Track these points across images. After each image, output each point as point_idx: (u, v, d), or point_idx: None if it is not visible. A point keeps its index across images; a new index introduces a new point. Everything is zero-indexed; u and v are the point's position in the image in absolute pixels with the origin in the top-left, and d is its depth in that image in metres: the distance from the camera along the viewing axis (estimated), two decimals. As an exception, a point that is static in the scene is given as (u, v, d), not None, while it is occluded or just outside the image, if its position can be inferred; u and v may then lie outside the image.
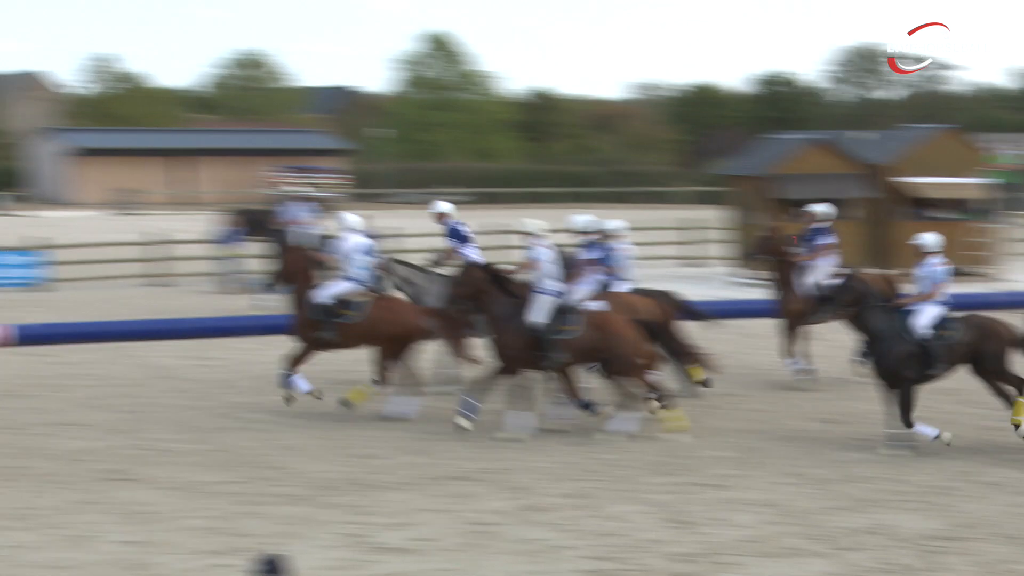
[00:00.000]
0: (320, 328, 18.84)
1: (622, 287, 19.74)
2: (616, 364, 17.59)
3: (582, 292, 18.87)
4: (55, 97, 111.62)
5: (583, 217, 20.58)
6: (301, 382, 18.76)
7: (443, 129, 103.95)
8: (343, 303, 18.83)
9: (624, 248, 20.17)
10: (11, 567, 12.11)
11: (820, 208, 22.50)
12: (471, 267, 18.29)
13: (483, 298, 17.74)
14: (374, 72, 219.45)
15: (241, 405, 19.40)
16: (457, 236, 20.62)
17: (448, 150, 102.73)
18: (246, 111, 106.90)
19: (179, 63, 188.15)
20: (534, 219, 18.58)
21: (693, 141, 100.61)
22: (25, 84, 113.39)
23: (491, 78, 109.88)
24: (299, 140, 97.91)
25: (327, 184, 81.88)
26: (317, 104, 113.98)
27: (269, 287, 20.49)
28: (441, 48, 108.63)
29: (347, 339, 18.97)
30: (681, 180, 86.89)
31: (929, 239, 17.69)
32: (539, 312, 17.54)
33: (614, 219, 20.53)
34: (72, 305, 30.76)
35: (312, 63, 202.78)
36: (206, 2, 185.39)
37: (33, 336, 22.76)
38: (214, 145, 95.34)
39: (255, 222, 33.26)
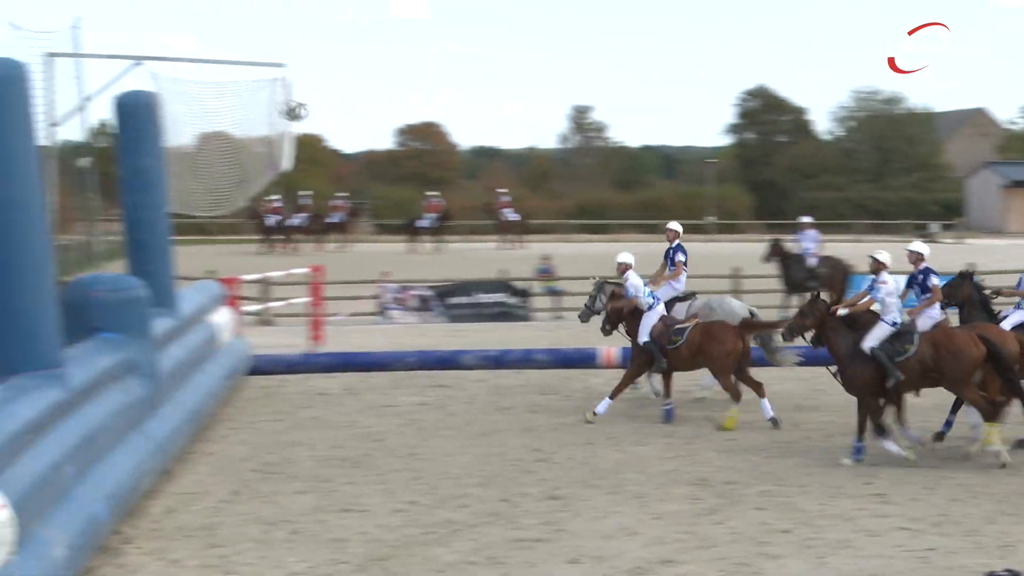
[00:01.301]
0: (652, 358, 19.50)
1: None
2: (948, 383, 16.31)
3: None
4: (996, 132, 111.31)
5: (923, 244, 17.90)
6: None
7: None
8: (676, 331, 19.45)
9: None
10: (930, 568, 12.13)
11: None
12: (816, 300, 17.05)
13: (825, 330, 16.76)
14: None
15: None
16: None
17: None
18: None
19: None
20: (884, 251, 17.01)
21: None
22: (970, 120, 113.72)
23: None
24: None
25: None
26: None
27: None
28: None
29: (676, 363, 19.53)
30: None
31: None
32: (875, 339, 16.35)
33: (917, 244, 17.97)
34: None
35: None
36: None
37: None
38: None
39: None
